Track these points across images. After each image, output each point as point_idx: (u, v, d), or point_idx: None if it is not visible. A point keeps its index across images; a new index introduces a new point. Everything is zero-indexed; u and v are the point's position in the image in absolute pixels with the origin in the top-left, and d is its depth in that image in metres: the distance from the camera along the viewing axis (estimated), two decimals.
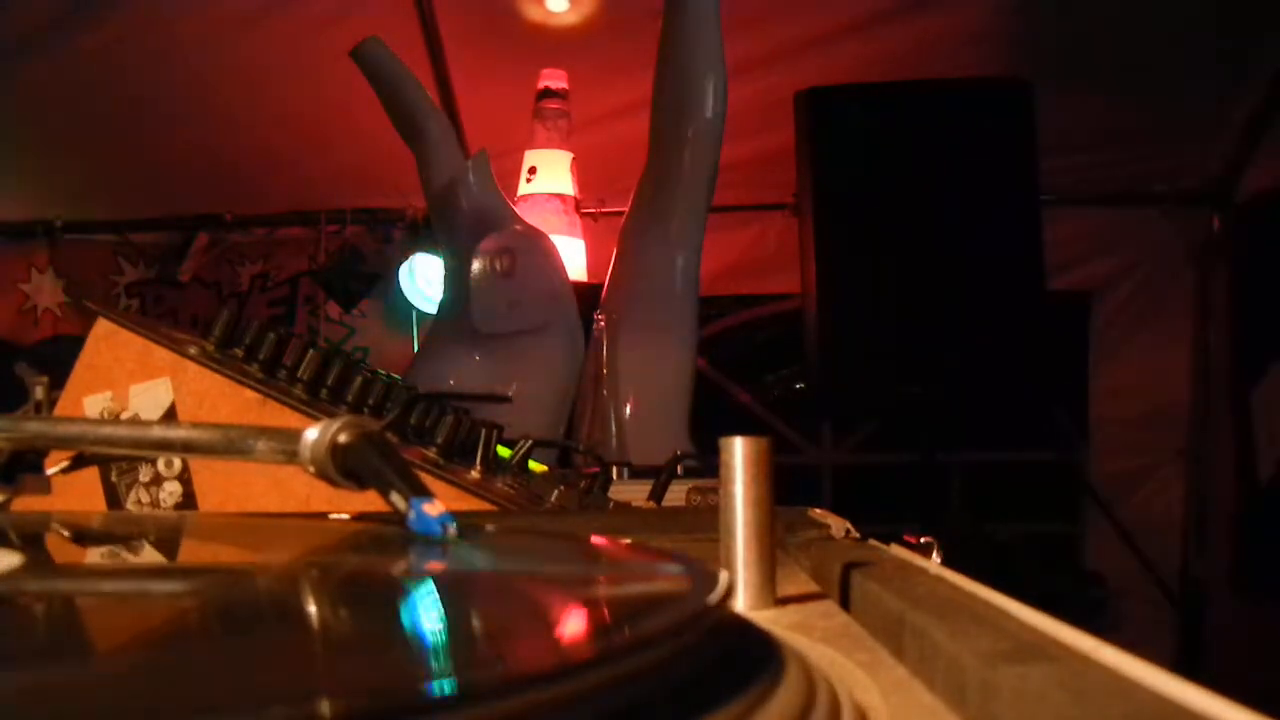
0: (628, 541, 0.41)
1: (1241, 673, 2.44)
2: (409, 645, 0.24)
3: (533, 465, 1.04)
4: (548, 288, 1.89)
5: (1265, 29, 2.37)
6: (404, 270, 2.86)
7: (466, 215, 1.96)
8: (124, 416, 0.85)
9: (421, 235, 2.85)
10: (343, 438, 0.38)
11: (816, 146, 2.17)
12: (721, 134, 1.88)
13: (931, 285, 2.10)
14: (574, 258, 2.33)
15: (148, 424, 0.56)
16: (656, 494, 1.11)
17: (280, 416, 0.82)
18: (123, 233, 3.13)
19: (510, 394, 1.54)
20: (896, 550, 0.51)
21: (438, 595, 0.31)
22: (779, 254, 2.82)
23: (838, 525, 0.62)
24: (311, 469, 0.39)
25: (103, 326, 0.88)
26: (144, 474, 0.84)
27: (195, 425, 0.44)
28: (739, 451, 0.36)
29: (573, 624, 0.27)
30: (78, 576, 0.37)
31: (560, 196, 2.41)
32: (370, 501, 0.39)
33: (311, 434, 0.39)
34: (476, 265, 1.86)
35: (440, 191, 2.01)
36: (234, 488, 0.82)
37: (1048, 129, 2.16)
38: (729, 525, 0.36)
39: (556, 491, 0.93)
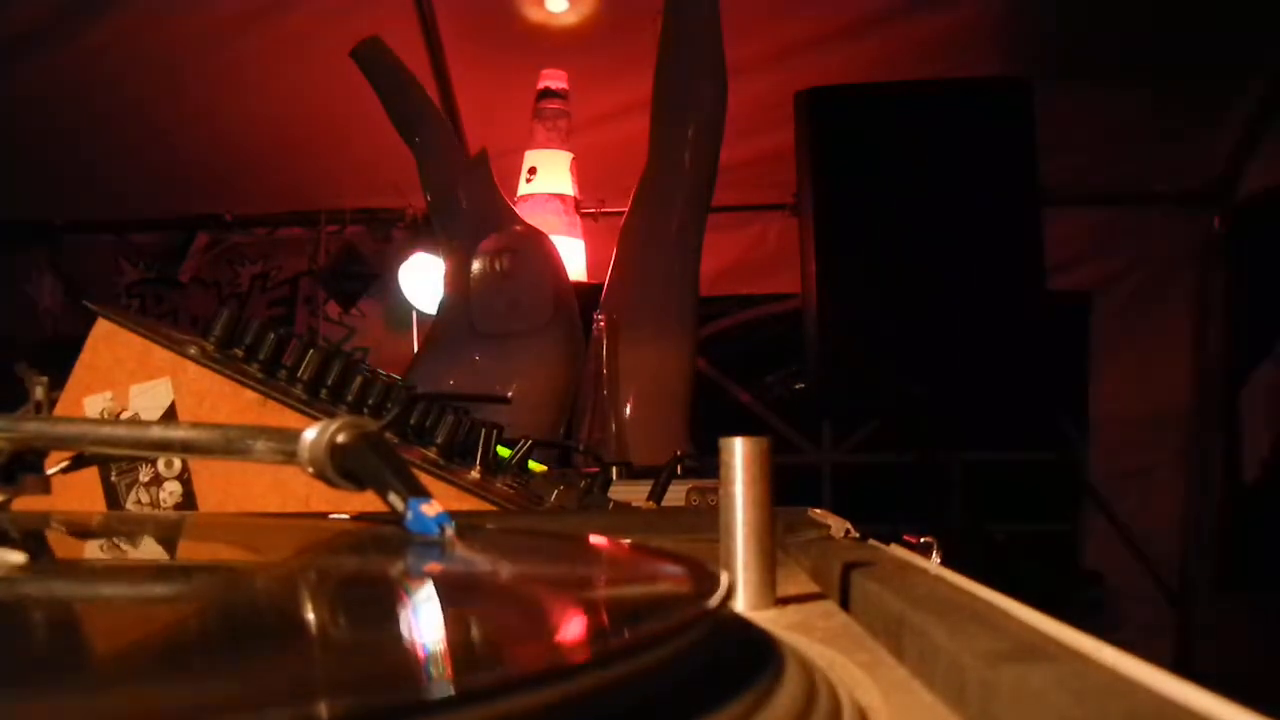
0: (628, 542, 0.41)
1: (1225, 673, 2.45)
2: (406, 646, 0.24)
3: (533, 465, 1.04)
4: (548, 288, 1.89)
5: (1265, 29, 2.37)
6: (404, 270, 2.86)
7: (466, 215, 1.95)
8: (124, 416, 0.85)
9: (421, 235, 2.85)
10: (341, 438, 0.38)
11: (816, 146, 2.17)
12: (721, 134, 1.88)
13: (931, 285, 2.10)
14: (574, 258, 2.33)
15: (147, 424, 0.56)
16: (656, 494, 1.10)
17: (280, 416, 0.82)
18: (123, 233, 3.13)
19: (510, 394, 1.54)
20: (896, 550, 0.51)
21: (436, 596, 0.31)
22: (779, 254, 2.82)
23: (838, 525, 0.62)
24: (310, 469, 0.39)
25: (103, 326, 0.88)
26: (144, 474, 0.84)
27: (195, 425, 0.44)
28: (739, 451, 0.36)
29: (572, 625, 0.27)
30: (78, 577, 0.37)
31: (560, 196, 2.41)
32: (370, 502, 0.39)
33: (310, 434, 0.39)
34: (476, 265, 1.86)
35: (440, 191, 2.01)
36: (234, 488, 0.82)
37: (1048, 129, 2.16)
38: (729, 525, 0.36)
39: (556, 491, 0.93)
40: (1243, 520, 2.70)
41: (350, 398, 0.89)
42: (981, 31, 2.45)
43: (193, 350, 0.86)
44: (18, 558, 0.33)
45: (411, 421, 0.91)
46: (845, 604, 0.39)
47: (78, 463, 0.51)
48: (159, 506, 0.83)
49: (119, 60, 2.55)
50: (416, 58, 2.41)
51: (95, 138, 2.74)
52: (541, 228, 2.05)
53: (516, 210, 2.10)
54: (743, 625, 0.31)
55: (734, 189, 2.47)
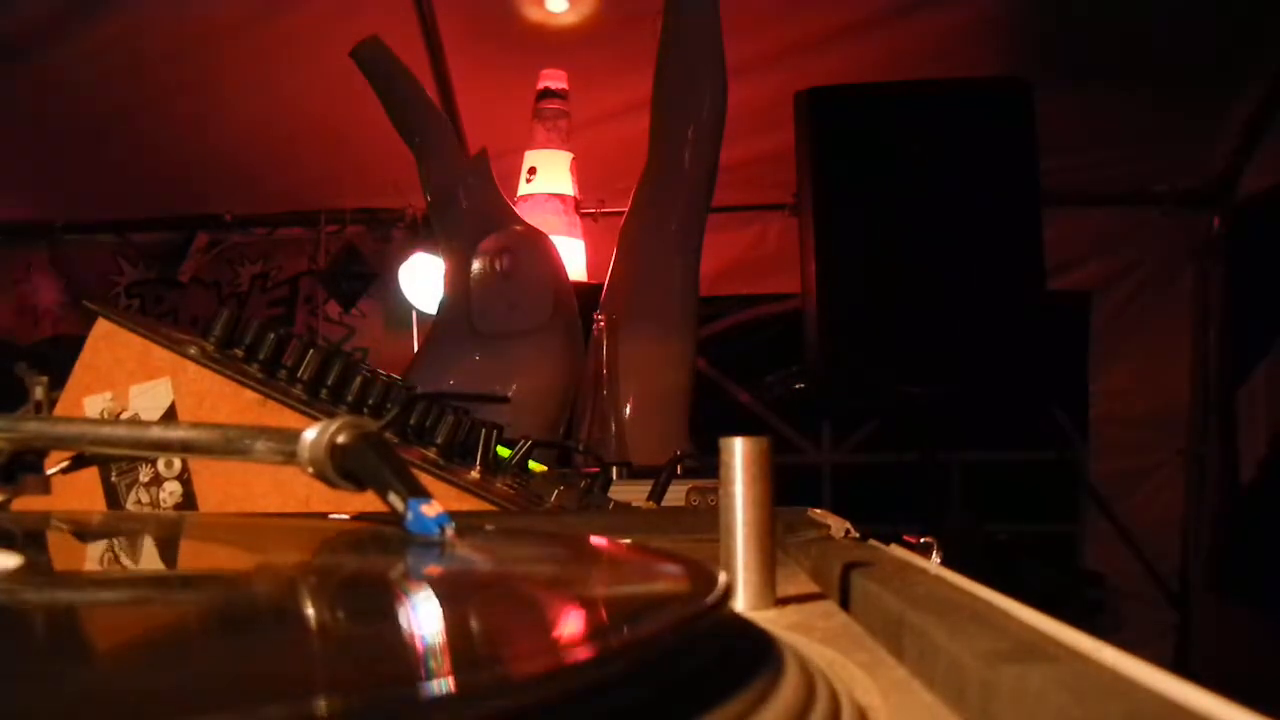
0: (627, 541, 0.41)
1: (1223, 673, 2.45)
2: (406, 646, 0.24)
3: (533, 465, 1.04)
4: (548, 288, 1.89)
5: (1265, 29, 2.37)
6: (404, 270, 2.86)
7: (466, 215, 1.95)
8: (124, 416, 0.85)
9: (421, 235, 2.85)
10: (341, 438, 0.38)
11: (816, 146, 2.17)
12: (721, 134, 1.87)
13: (931, 285, 2.10)
14: (574, 258, 2.33)
15: (147, 424, 0.56)
16: (656, 494, 1.10)
17: (280, 416, 0.82)
18: (123, 233, 3.13)
19: (510, 394, 1.54)
20: (896, 550, 0.51)
21: (436, 596, 0.31)
22: (779, 254, 2.82)
23: (838, 525, 0.62)
24: (310, 470, 0.39)
25: (103, 326, 0.88)
26: (144, 474, 0.84)
27: (194, 425, 0.44)
28: (739, 451, 0.36)
29: (572, 624, 0.27)
30: (77, 578, 0.37)
31: (560, 196, 2.41)
32: (370, 502, 0.39)
33: (310, 434, 0.39)
34: (476, 265, 1.86)
35: (440, 191, 2.01)
36: (234, 488, 0.82)
37: (1048, 129, 2.16)
38: (729, 525, 0.36)
39: (556, 491, 0.93)
40: (1241, 520, 2.70)
41: (350, 398, 0.89)
42: (981, 31, 2.45)
43: (193, 350, 0.86)
44: (14, 560, 0.33)
45: (411, 421, 0.91)
46: (845, 604, 0.39)
47: (78, 463, 0.51)
48: (159, 506, 0.83)
49: (119, 61, 2.55)
50: (416, 58, 2.41)
51: (95, 138, 2.74)
52: (541, 228, 2.05)
53: (516, 210, 2.10)
54: (743, 625, 0.31)
55: (734, 189, 2.47)
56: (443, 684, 0.18)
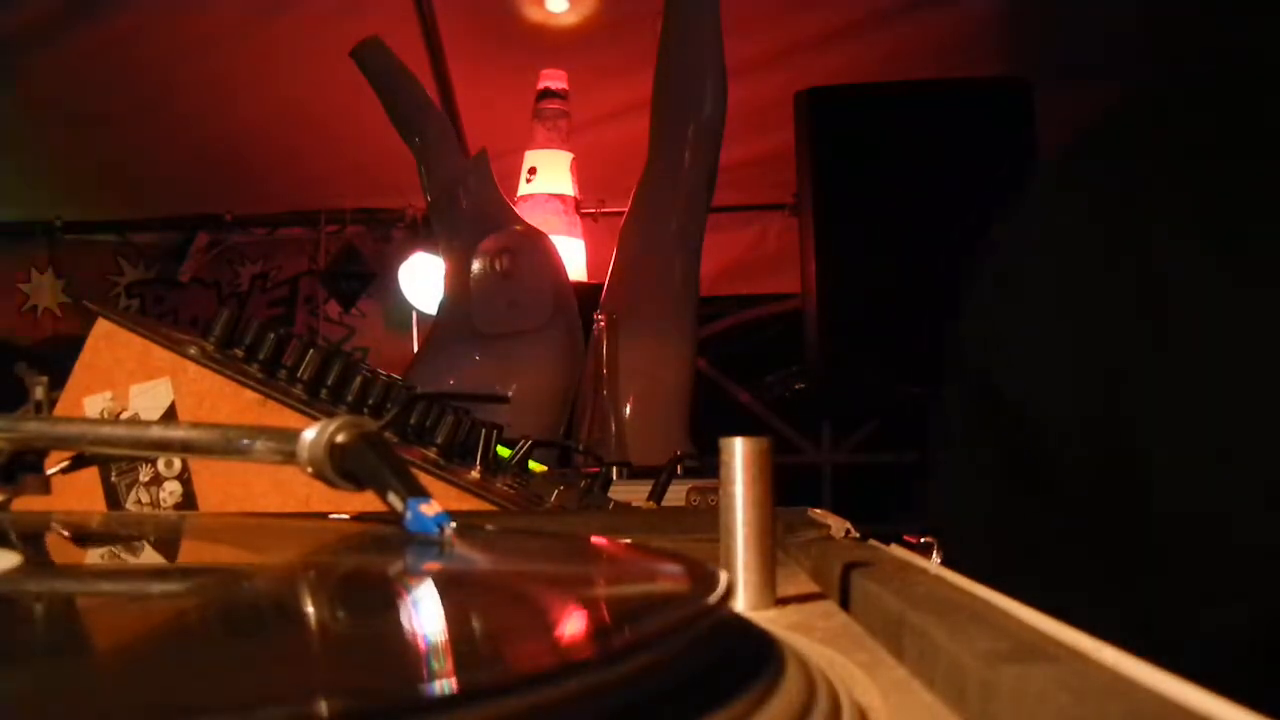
0: (627, 541, 0.41)
1: (1225, 672, 2.45)
2: (406, 645, 0.24)
3: (533, 465, 1.04)
4: (548, 288, 1.89)
5: (1264, 31, 2.37)
6: (404, 270, 2.86)
7: (466, 215, 1.95)
8: (124, 416, 0.85)
9: (421, 235, 2.85)
10: (340, 438, 0.38)
11: (816, 146, 2.17)
12: (721, 134, 1.88)
13: (931, 285, 2.10)
14: (574, 258, 2.33)
15: (147, 424, 0.56)
16: (656, 494, 1.10)
17: (280, 416, 0.82)
18: (123, 233, 3.13)
19: (510, 394, 1.54)
20: (896, 550, 0.51)
21: (435, 596, 0.31)
22: (779, 254, 2.82)
23: (838, 525, 0.62)
24: (309, 469, 0.39)
25: (103, 326, 0.88)
26: (144, 474, 0.84)
27: (194, 425, 0.44)
28: (739, 451, 0.36)
29: (571, 624, 0.27)
30: (76, 577, 0.37)
31: (560, 196, 2.41)
32: (370, 502, 0.39)
33: (309, 434, 0.39)
34: (476, 265, 1.86)
35: (440, 191, 2.01)
36: (234, 488, 0.82)
37: (1048, 129, 2.16)
38: (729, 525, 0.36)
39: (556, 491, 0.93)
40: None
41: (350, 398, 0.89)
42: (981, 31, 2.45)
43: (193, 350, 0.86)
44: (14, 558, 0.33)
45: (411, 421, 0.91)
46: (845, 604, 0.39)
47: (78, 463, 0.51)
48: (159, 506, 0.83)
49: (119, 61, 2.55)
50: (416, 58, 2.41)
51: (95, 138, 2.74)
52: (541, 228, 2.05)
53: (516, 210, 2.10)
54: (743, 625, 0.31)
55: (734, 189, 2.47)
56: (443, 684, 0.18)
